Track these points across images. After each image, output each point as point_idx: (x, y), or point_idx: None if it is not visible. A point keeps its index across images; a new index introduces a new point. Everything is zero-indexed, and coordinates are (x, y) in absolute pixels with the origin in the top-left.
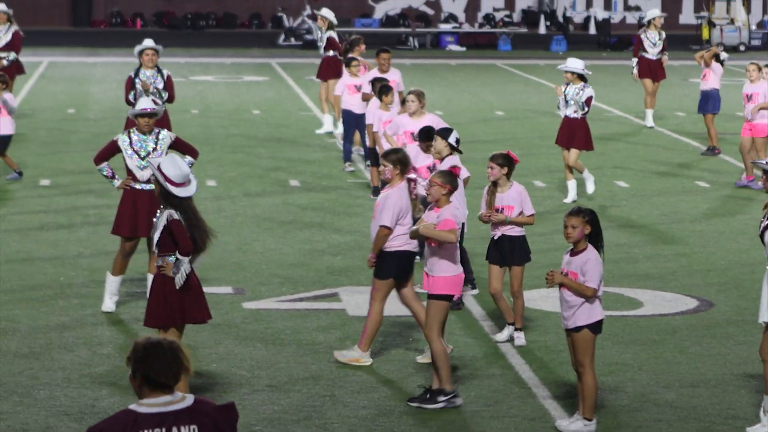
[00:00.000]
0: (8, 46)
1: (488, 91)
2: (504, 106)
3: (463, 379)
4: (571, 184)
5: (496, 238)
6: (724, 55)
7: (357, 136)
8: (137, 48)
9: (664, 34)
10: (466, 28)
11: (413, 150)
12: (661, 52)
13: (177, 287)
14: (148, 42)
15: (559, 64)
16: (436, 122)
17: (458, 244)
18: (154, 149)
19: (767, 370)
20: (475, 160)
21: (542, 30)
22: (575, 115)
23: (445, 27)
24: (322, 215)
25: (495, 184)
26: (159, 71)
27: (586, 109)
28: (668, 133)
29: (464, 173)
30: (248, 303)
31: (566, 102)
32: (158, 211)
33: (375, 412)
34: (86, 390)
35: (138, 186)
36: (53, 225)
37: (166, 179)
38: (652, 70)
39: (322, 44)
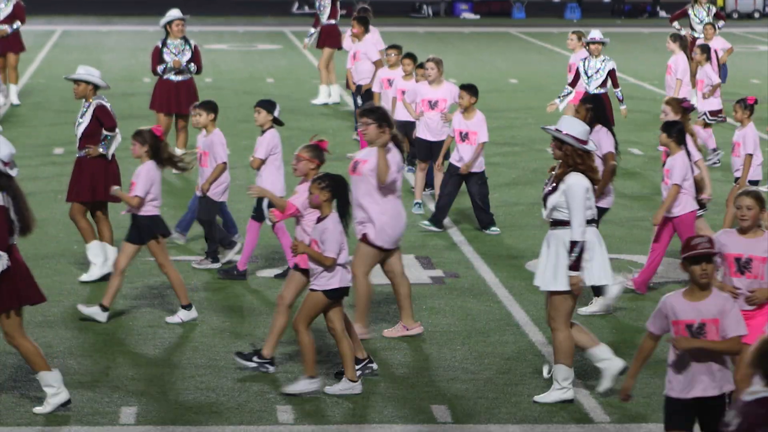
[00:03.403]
0: (11, 18)
1: (502, 59)
2: (518, 74)
3: (477, 346)
4: None
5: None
6: (721, 23)
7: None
8: (165, 18)
9: (714, 10)
10: None
11: (433, 118)
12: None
13: None
14: (176, 12)
15: (573, 31)
16: (454, 91)
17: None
18: (82, 116)
19: (555, 338)
20: (489, 128)
21: None
22: (597, 92)
23: None
24: None
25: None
26: (186, 42)
27: (610, 83)
28: None
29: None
30: (262, 271)
31: (587, 77)
32: None
33: (391, 382)
34: (101, 358)
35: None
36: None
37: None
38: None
39: (324, 12)
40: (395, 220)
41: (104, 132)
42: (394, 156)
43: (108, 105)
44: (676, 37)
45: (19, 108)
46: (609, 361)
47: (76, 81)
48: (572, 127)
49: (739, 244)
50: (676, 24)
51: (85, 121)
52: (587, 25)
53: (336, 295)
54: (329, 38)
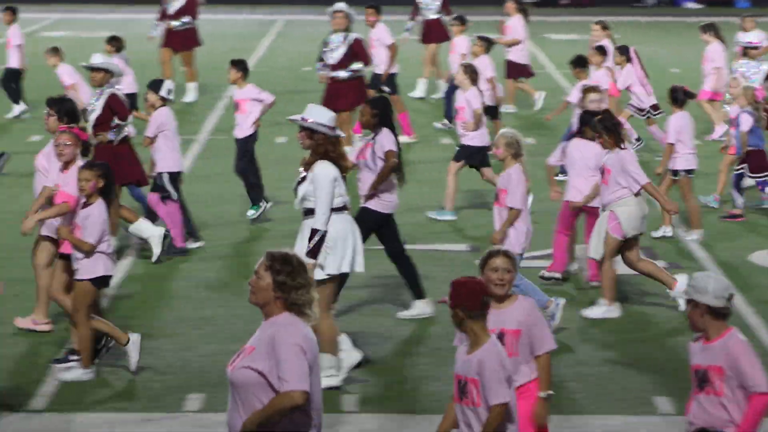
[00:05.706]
0: (181, 12)
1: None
2: None
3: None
4: None
5: None
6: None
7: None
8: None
9: None
10: None
11: None
12: None
13: None
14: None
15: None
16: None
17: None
18: (95, 103)
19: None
20: (704, 119)
21: None
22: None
23: None
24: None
25: None
26: None
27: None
28: None
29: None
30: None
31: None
32: None
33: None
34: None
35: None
36: None
37: None
38: None
39: (434, 5)
40: None
41: (115, 120)
42: None
43: (119, 94)
44: (707, 28)
45: None
46: (347, 353)
47: (94, 69)
48: (321, 115)
49: (491, 318)
50: None
51: (98, 108)
52: None
53: (103, 283)
54: (433, 33)
